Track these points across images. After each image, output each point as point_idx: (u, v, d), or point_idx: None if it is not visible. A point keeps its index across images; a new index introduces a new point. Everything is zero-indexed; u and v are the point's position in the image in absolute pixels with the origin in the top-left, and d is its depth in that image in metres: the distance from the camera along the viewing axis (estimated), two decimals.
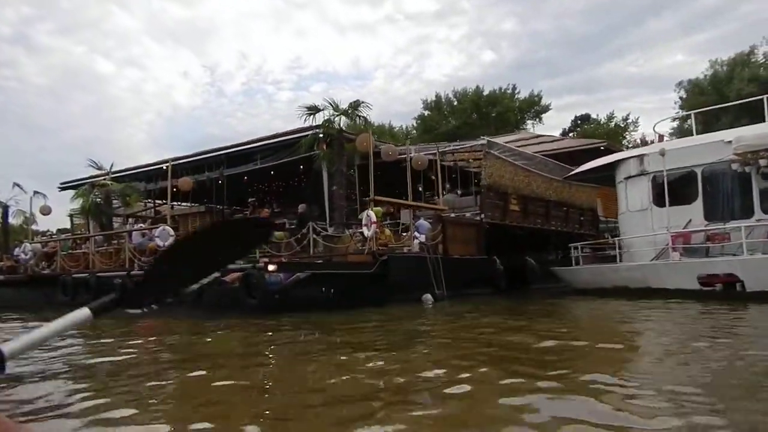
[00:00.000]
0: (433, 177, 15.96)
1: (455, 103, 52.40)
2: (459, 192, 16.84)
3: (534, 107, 53.49)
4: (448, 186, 15.81)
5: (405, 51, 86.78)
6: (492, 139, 16.70)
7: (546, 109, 53.85)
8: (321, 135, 14.79)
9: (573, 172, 16.01)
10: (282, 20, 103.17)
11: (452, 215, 14.81)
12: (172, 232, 14.51)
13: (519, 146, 20.10)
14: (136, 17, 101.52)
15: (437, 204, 14.57)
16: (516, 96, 52.66)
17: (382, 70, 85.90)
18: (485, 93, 51.64)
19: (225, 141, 19.28)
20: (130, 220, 21.14)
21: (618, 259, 13.16)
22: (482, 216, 14.99)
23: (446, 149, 15.10)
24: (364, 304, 11.14)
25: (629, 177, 13.16)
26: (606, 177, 15.84)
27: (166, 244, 14.31)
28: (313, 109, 14.15)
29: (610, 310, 10.22)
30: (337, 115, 14.17)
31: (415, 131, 52.06)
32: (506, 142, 19.01)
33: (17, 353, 1.06)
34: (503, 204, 15.90)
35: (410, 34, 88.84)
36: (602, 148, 22.23)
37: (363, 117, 14.18)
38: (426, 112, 53.20)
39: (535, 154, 18.16)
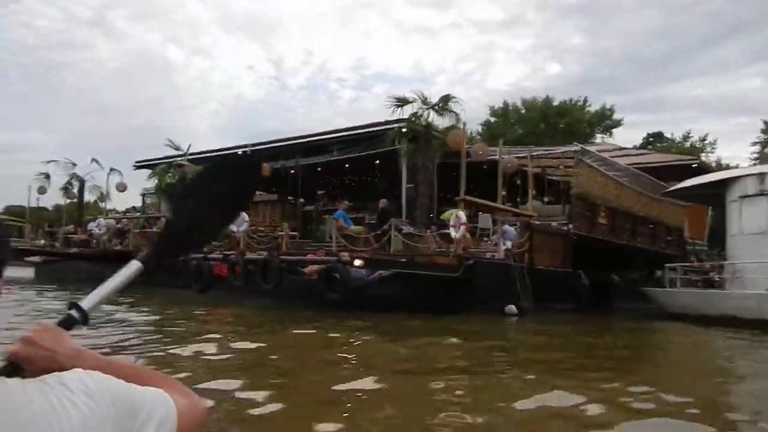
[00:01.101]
0: (519, 182, 15.13)
1: (523, 111, 51.11)
2: (545, 200, 15.92)
3: (605, 121, 51.59)
4: (533, 192, 14.92)
5: (468, 57, 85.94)
6: (585, 147, 15.70)
7: (617, 123, 51.81)
8: (404, 130, 14.18)
9: (674, 188, 14.87)
10: (347, 19, 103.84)
11: (538, 224, 13.92)
12: (246, 217, 14.16)
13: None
14: (208, 8, 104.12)
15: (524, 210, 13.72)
16: (587, 108, 50.92)
17: (444, 75, 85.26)
18: (555, 103, 50.15)
19: (286, 134, 18.88)
20: None
21: (725, 286, 12.01)
22: (570, 226, 14.04)
23: (536, 153, 14.21)
24: (444, 310, 10.47)
25: (745, 196, 11.99)
26: (702, 195, 14.67)
27: (240, 229, 14.01)
28: (403, 101, 13.53)
29: (722, 346, 9.15)
30: (426, 109, 13.50)
31: (479, 137, 50.98)
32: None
33: (94, 307, 1.15)
34: (591, 216, 14.90)
35: (474, 41, 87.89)
36: (693, 165, 20.82)
37: (454, 112, 13.43)
38: (492, 119, 52.02)
39: (628, 166, 17.04)
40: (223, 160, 1.65)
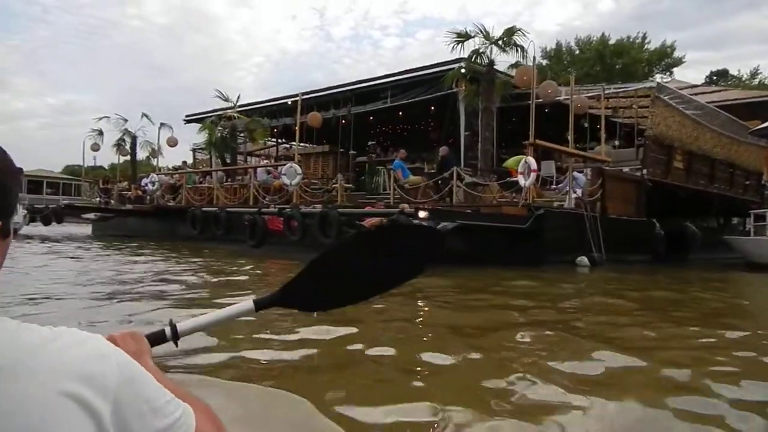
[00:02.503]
0: (586, 125, 14.06)
1: (577, 52, 48.58)
2: (616, 143, 14.81)
3: (665, 59, 48.53)
4: (603, 135, 13.83)
5: None
6: (663, 83, 14.41)
7: (679, 62, 48.68)
8: (463, 70, 13.21)
9: (761, 126, 13.50)
10: None
11: (610, 169, 12.93)
12: (299, 170, 13.72)
13: None
14: None
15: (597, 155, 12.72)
16: (645, 46, 47.93)
17: (491, 18, 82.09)
18: (611, 42, 47.37)
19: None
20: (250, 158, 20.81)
21: None
22: (644, 171, 13.00)
23: (608, 92, 13.04)
24: (512, 263, 9.82)
25: None
26: None
27: (293, 182, 13.57)
28: (464, 36, 12.47)
29: None
30: (489, 45, 12.44)
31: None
32: None
33: (190, 332, 1.20)
34: (667, 159, 13.78)
35: None
36: None
37: (520, 47, 12.32)
38: (544, 61, 49.68)
39: (707, 103, 15.62)
40: (399, 226, 1.50)
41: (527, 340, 3.68)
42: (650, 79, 45.26)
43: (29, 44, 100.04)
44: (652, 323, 4.58)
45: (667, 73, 49.90)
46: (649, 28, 76.22)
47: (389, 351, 3.19)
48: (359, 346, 3.26)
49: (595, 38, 47.87)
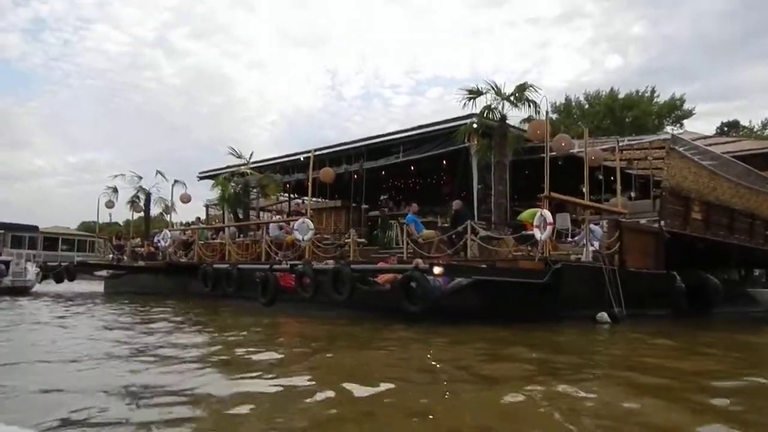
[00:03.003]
0: (601, 177, 13.94)
1: (586, 106, 49.07)
2: (632, 195, 14.63)
3: (675, 112, 48.79)
4: (619, 187, 13.68)
5: (524, 56, 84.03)
6: (677, 134, 14.35)
7: (689, 114, 48.92)
8: (475, 125, 13.26)
9: None
10: (398, 23, 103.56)
11: (627, 221, 12.69)
12: (311, 225, 13.62)
13: None
14: (263, 22, 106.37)
15: (613, 207, 12.52)
16: (655, 99, 48.31)
17: (500, 75, 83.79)
18: (620, 96, 47.85)
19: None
20: (263, 213, 20.83)
21: None
22: (662, 223, 12.74)
23: (622, 144, 12.97)
24: (528, 320, 9.50)
25: None
26: None
27: (306, 238, 13.47)
28: (476, 92, 12.56)
29: None
30: (501, 100, 12.51)
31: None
32: None
33: None
34: (684, 211, 13.52)
35: (530, 38, 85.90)
36: None
37: (532, 102, 12.38)
38: (554, 116, 50.17)
39: (722, 154, 15.48)
40: None
41: None
42: (663, 131, 45.49)
43: (51, 106, 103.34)
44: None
45: (678, 125, 50.06)
46: (657, 82, 77.16)
47: None
48: None
49: (604, 92, 48.41)
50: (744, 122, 49.07)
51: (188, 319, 10.19)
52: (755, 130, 47.26)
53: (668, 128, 48.99)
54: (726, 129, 50.78)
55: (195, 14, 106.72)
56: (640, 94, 48.08)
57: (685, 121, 49.38)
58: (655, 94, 48.47)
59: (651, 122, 47.81)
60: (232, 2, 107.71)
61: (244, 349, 6.15)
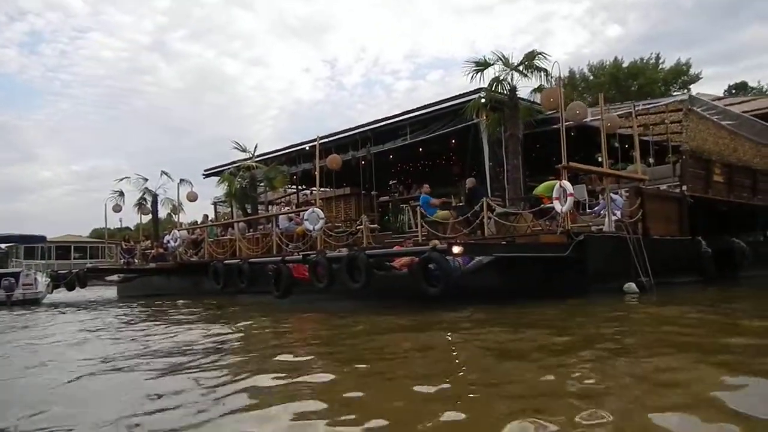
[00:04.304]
0: (617, 144, 13.48)
1: (590, 77, 48.28)
2: (651, 161, 14.14)
3: (681, 77, 47.88)
4: (637, 153, 13.20)
5: (524, 31, 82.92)
6: (697, 95, 13.83)
7: (695, 78, 47.96)
8: (483, 100, 12.80)
9: None
10: (395, 7, 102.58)
11: (648, 188, 12.24)
12: (321, 214, 13.28)
13: None
14: (260, 17, 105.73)
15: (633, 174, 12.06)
16: (660, 66, 47.42)
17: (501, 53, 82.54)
18: (625, 65, 47.02)
19: None
20: (271, 207, 20.52)
21: None
22: (683, 188, 12.28)
23: (639, 109, 12.45)
24: (553, 294, 9.14)
25: None
26: None
27: (317, 227, 13.13)
28: (483, 64, 12.07)
29: None
30: (509, 71, 12.02)
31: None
32: None
33: None
34: (706, 174, 13.05)
35: (530, 12, 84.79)
36: None
37: (543, 70, 11.88)
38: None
39: (742, 113, 14.94)
40: None
41: None
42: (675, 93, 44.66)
43: (53, 117, 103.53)
44: None
45: (685, 90, 49.20)
46: (659, 49, 75.71)
47: None
48: None
49: (608, 63, 47.58)
50: (752, 83, 47.97)
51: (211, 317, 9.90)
52: (765, 90, 46.28)
53: (676, 94, 48.15)
54: (734, 91, 49.83)
55: (190, 15, 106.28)
56: (644, 61, 47.27)
57: (692, 86, 48.40)
58: (660, 61, 47.56)
59: (657, 89, 46.97)
60: (227, 0, 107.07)
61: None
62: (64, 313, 12.77)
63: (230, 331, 7.49)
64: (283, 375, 3.87)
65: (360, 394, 3.24)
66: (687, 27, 67.15)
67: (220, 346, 5.82)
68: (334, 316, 8.91)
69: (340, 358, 4.89)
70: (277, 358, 4.83)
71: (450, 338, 5.77)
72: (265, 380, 3.71)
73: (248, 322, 8.53)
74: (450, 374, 3.75)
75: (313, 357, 4.86)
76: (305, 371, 4.02)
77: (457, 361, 4.51)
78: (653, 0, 68.49)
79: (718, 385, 2.99)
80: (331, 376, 3.85)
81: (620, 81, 46.58)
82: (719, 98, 23.61)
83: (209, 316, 10.33)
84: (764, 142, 14.83)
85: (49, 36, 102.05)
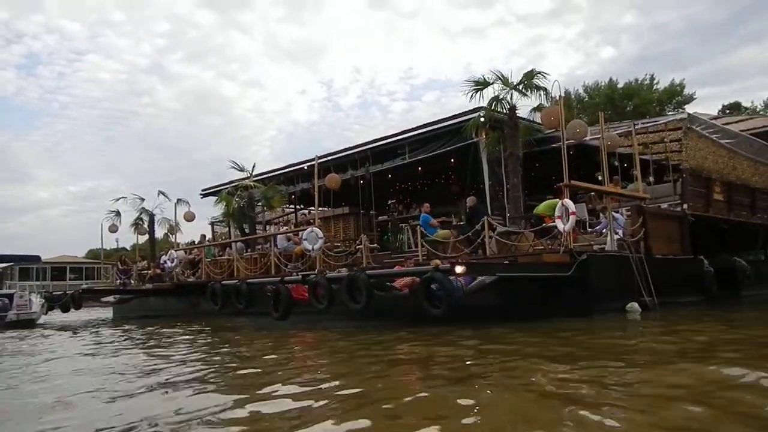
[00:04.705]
0: (616, 163, 13.47)
1: (586, 98, 48.66)
2: (651, 180, 14.13)
3: (675, 98, 48.30)
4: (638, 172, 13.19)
5: (518, 53, 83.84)
6: (694, 114, 13.86)
7: (690, 99, 48.41)
8: (482, 119, 12.80)
9: None
10: (390, 31, 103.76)
11: (649, 207, 12.20)
12: (320, 234, 13.16)
13: None
14: (256, 40, 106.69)
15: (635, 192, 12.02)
16: (655, 87, 47.86)
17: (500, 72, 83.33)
18: (620, 85, 47.45)
19: None
20: (269, 227, 20.40)
21: None
22: (684, 207, 12.25)
23: (638, 127, 12.46)
24: (555, 314, 9.02)
25: None
26: None
27: (315, 247, 13.01)
28: (482, 84, 12.07)
29: None
30: (509, 90, 12.02)
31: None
32: None
33: None
34: (706, 192, 13.04)
35: (523, 35, 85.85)
36: None
37: (542, 89, 11.90)
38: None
39: (740, 132, 15.00)
40: None
41: None
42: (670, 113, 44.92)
43: (50, 138, 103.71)
44: None
45: (679, 111, 49.58)
46: (652, 70, 76.62)
47: None
48: None
49: (603, 83, 48.02)
50: (745, 104, 48.42)
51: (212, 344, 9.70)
52: (758, 110, 46.69)
53: (671, 114, 48.52)
54: (728, 111, 50.23)
55: (188, 38, 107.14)
56: (639, 82, 47.73)
57: (686, 106, 48.85)
58: (655, 81, 48.05)
59: (653, 109, 47.35)
60: (224, 23, 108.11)
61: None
62: (47, 337, 12.36)
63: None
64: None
65: None
66: (679, 48, 68.11)
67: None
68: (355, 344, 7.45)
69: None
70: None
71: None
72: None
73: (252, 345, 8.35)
74: None
75: None
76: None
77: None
78: (645, 22, 69.52)
79: None
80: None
81: (615, 101, 46.95)
82: (715, 118, 23.73)
83: (204, 344, 10.08)
84: (762, 160, 14.87)
85: (47, 58, 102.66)
